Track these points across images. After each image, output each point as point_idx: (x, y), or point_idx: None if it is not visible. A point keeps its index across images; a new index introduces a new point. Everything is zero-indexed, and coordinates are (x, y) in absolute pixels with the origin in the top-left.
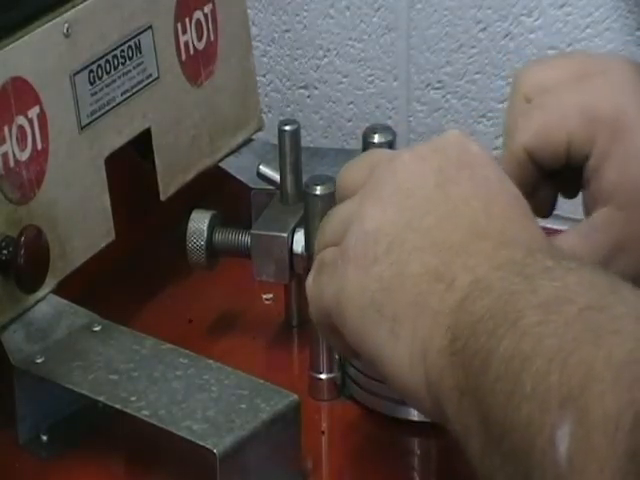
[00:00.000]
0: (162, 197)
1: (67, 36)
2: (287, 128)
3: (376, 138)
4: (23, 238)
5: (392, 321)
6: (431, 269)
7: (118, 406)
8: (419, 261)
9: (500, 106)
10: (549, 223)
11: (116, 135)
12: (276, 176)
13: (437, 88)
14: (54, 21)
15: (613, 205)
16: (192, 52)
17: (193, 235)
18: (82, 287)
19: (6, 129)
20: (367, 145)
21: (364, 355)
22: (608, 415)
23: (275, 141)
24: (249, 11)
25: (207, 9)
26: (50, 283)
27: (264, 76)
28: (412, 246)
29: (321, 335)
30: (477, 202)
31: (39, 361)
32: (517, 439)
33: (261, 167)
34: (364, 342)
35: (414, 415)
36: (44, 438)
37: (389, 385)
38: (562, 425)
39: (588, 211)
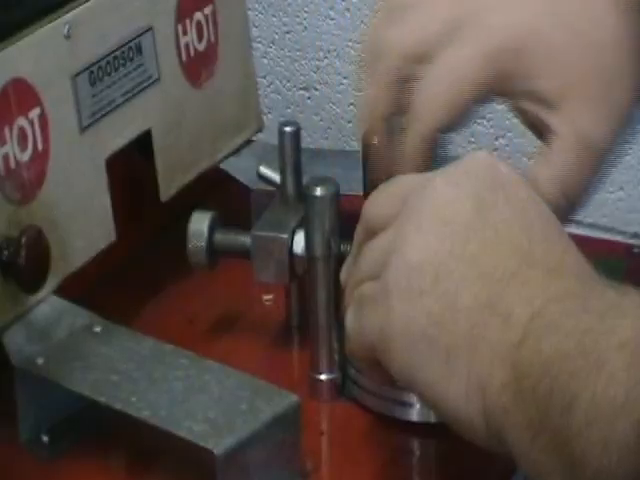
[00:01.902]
0: (162, 198)
1: (68, 37)
2: (287, 129)
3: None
4: (24, 239)
5: (445, 354)
6: (483, 301)
7: (119, 406)
8: (469, 293)
9: (500, 107)
10: None
11: (117, 136)
12: (276, 177)
13: None
14: (55, 22)
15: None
16: (192, 53)
17: (193, 236)
18: (83, 288)
19: (7, 130)
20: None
21: (412, 387)
22: None
23: (275, 142)
24: (249, 12)
25: (207, 10)
26: (51, 284)
27: (264, 77)
28: (459, 276)
29: (361, 369)
30: (517, 226)
31: (40, 361)
32: None
33: (261, 168)
34: (413, 375)
35: (414, 415)
36: (45, 438)
37: (439, 415)
38: None
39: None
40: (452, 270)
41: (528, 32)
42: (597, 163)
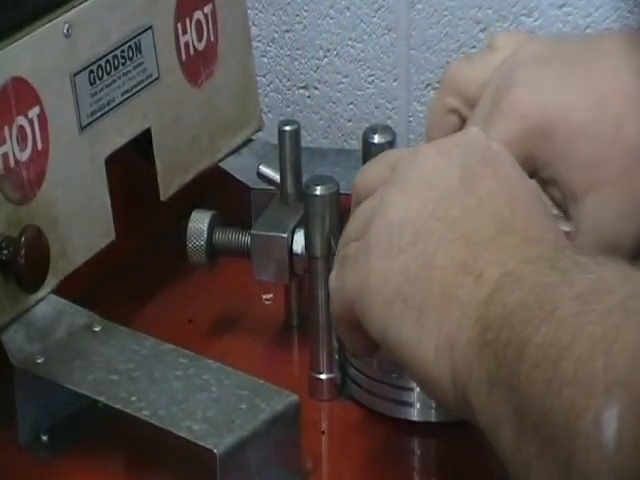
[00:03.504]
0: (162, 197)
1: (67, 36)
2: (287, 128)
3: (376, 138)
4: (23, 238)
5: (418, 312)
6: (459, 262)
7: (118, 406)
8: (446, 253)
9: None
10: None
11: (116, 135)
12: (276, 176)
13: (437, 88)
14: (54, 21)
15: (585, 199)
16: (192, 52)
17: (193, 235)
18: (82, 287)
19: (6, 129)
20: (367, 145)
21: (386, 346)
22: None
23: (275, 141)
24: (249, 11)
25: (207, 9)
26: (50, 283)
27: (264, 76)
28: (438, 237)
29: (340, 333)
30: (501, 198)
31: (39, 361)
32: (558, 424)
33: (261, 167)
34: (387, 333)
35: (414, 415)
36: (44, 438)
37: (410, 375)
38: (609, 408)
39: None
40: (432, 231)
41: (559, 118)
42: (623, 251)
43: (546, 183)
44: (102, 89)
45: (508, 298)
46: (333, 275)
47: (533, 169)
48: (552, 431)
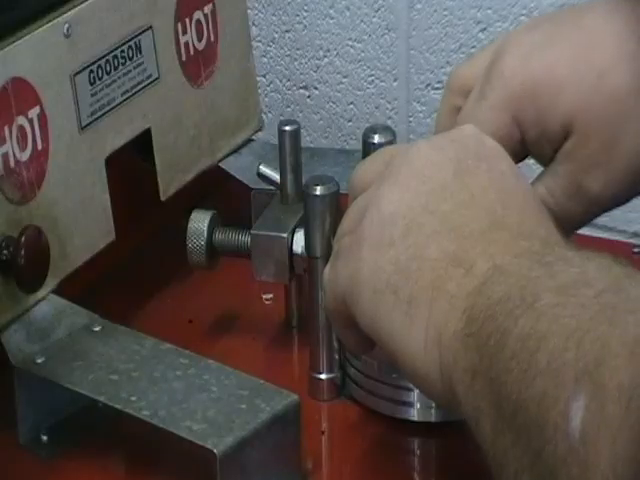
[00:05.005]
0: (162, 197)
1: (67, 36)
2: (287, 128)
3: (376, 138)
4: (23, 238)
5: (407, 304)
6: (449, 254)
7: (118, 406)
8: (437, 246)
9: None
10: None
11: (116, 135)
12: (276, 176)
13: (437, 88)
14: (54, 21)
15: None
16: (192, 52)
17: (193, 235)
18: (82, 287)
19: (6, 129)
20: (367, 145)
21: (376, 338)
22: (623, 387)
23: (275, 141)
24: (249, 11)
25: (207, 9)
26: (50, 283)
27: (264, 76)
28: (430, 230)
29: (334, 330)
30: (494, 193)
31: (39, 361)
32: (530, 414)
33: (261, 167)
34: (377, 324)
35: (414, 415)
36: (44, 438)
37: (399, 368)
38: (577, 398)
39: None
40: (423, 224)
41: (543, 76)
42: (603, 208)
43: (534, 144)
44: (102, 89)
45: (493, 290)
46: (327, 269)
47: (521, 132)
48: (526, 421)
